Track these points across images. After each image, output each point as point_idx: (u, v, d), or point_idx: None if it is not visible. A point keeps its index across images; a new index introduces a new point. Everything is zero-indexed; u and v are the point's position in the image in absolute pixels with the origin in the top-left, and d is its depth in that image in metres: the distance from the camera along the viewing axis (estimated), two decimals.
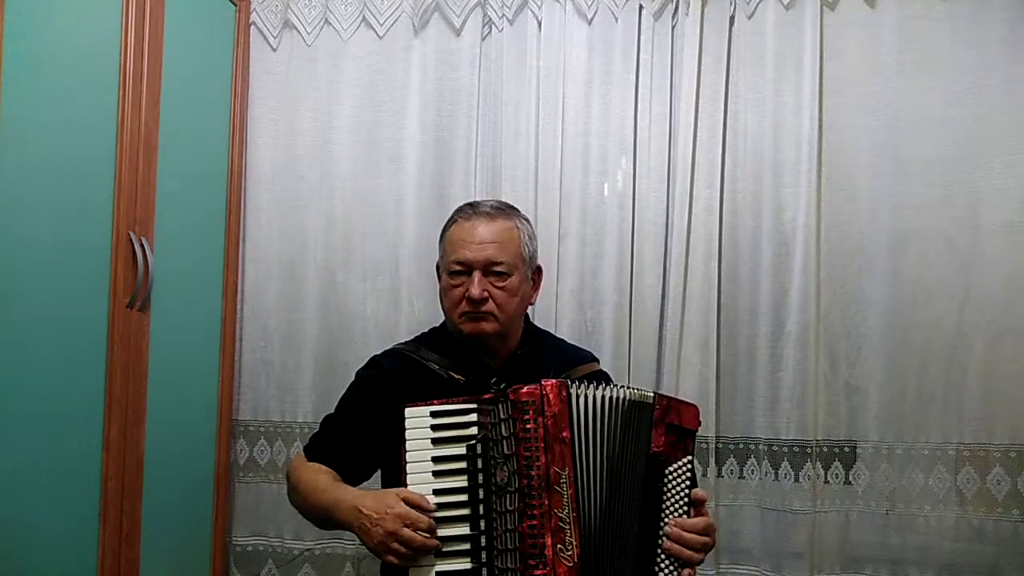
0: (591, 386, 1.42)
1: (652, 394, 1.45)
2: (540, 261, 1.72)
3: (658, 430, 1.43)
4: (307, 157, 2.38)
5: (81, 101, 1.71)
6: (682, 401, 1.49)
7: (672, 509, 1.42)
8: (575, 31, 2.29)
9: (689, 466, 1.45)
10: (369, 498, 1.41)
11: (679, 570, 1.41)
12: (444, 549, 1.35)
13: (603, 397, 1.41)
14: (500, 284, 1.58)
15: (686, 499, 1.43)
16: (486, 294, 1.56)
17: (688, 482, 1.44)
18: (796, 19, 2.21)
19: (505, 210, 1.65)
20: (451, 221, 1.65)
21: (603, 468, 1.38)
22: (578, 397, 1.39)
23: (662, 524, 1.41)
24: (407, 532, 1.34)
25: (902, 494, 2.14)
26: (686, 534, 1.40)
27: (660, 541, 1.41)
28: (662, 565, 1.41)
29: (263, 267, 2.38)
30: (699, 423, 1.49)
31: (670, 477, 1.43)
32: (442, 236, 1.66)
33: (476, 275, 1.57)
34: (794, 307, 2.17)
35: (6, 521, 1.53)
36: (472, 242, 1.58)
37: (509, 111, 2.31)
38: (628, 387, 1.46)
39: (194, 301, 2.15)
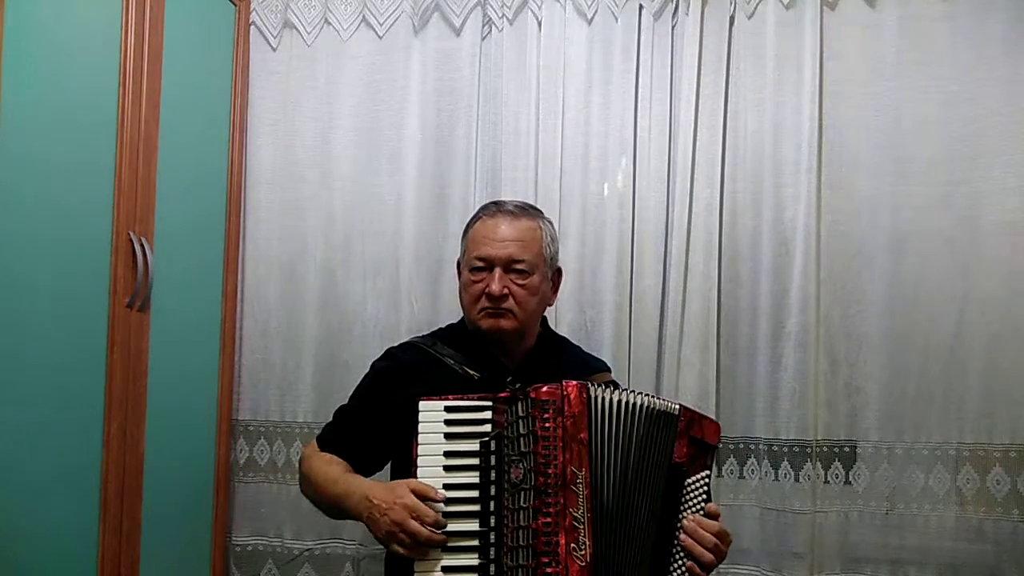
0: (611, 390, 1.42)
1: (678, 406, 1.46)
2: None
3: (681, 441, 1.44)
4: (307, 157, 2.38)
5: (81, 101, 1.71)
6: (705, 416, 1.50)
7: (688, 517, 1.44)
8: (575, 31, 2.29)
9: (707, 480, 1.46)
10: (379, 488, 1.42)
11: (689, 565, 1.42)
12: (452, 544, 1.36)
13: (623, 403, 1.41)
14: (520, 282, 1.59)
15: (701, 511, 1.44)
16: (506, 291, 1.58)
17: (705, 495, 1.46)
18: (796, 19, 2.21)
19: (529, 210, 1.68)
20: (475, 218, 1.67)
21: (619, 471, 1.39)
22: (597, 400, 1.39)
23: (678, 531, 1.42)
24: (413, 524, 1.34)
25: (902, 494, 2.14)
26: (701, 530, 1.42)
27: (676, 545, 1.42)
28: (677, 570, 1.42)
29: (263, 267, 2.38)
30: (719, 440, 1.51)
31: (689, 488, 1.44)
32: (465, 233, 1.68)
33: (497, 271, 1.58)
34: (794, 307, 2.17)
35: (6, 521, 1.53)
36: (495, 239, 1.60)
37: (509, 111, 2.30)
38: (653, 396, 1.46)
39: (194, 301, 2.15)
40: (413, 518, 1.34)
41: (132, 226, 1.82)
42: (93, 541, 1.74)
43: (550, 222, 1.70)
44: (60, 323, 1.65)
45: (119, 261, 1.79)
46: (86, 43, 1.72)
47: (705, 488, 1.45)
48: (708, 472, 1.46)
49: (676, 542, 1.42)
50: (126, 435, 1.82)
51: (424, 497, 1.37)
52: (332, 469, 1.55)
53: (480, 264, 1.60)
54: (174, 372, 2.01)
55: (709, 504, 1.46)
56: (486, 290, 1.58)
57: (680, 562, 1.42)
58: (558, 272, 1.71)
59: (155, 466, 1.91)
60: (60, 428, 1.65)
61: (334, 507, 1.52)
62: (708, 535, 1.42)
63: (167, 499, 1.98)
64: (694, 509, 1.44)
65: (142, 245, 1.83)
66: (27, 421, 1.57)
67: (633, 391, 1.45)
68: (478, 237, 1.62)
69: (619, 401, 1.40)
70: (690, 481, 1.44)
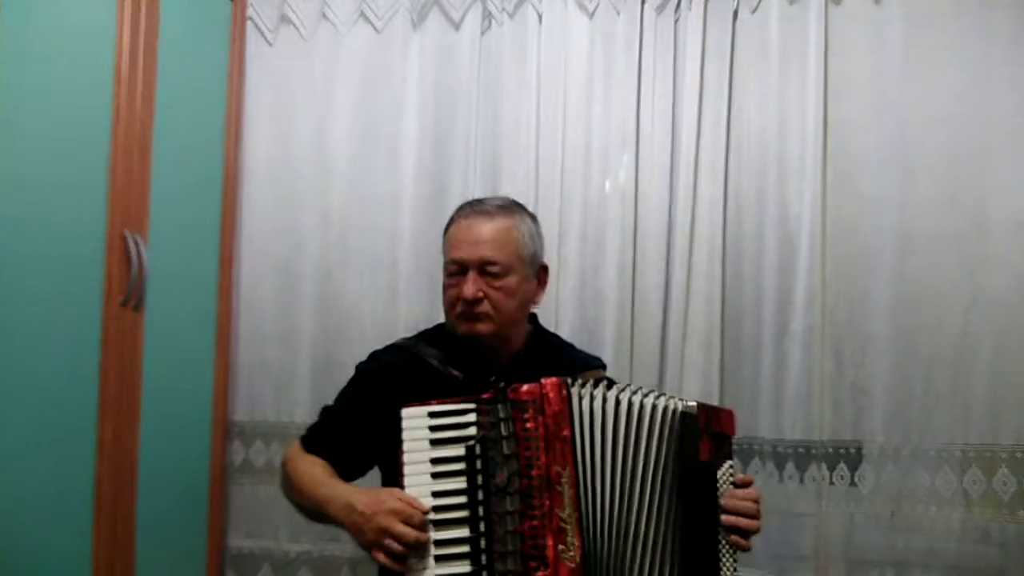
0: (603, 387, 1.40)
1: (695, 404, 1.42)
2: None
3: (703, 439, 1.41)
4: (303, 153, 2.35)
5: (75, 96, 1.68)
6: (720, 408, 1.48)
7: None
8: (576, 25, 2.27)
9: (732, 470, 1.44)
10: (364, 495, 1.40)
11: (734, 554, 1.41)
12: (444, 552, 1.33)
13: (616, 400, 1.38)
14: (496, 284, 1.54)
15: None
16: (481, 294, 1.53)
17: (731, 486, 1.44)
18: (800, 13, 2.19)
19: (507, 207, 1.61)
20: (452, 220, 1.63)
21: (616, 468, 1.36)
22: (580, 397, 1.37)
23: (720, 524, 1.40)
24: (400, 527, 1.31)
25: (908, 495, 2.12)
26: (737, 502, 1.41)
27: (721, 535, 1.40)
28: (725, 561, 1.41)
29: (259, 265, 2.35)
30: (735, 429, 1.48)
31: (720, 482, 1.42)
32: (444, 234, 1.64)
33: (471, 274, 1.54)
34: (799, 306, 2.15)
35: None
36: (467, 241, 1.56)
37: (509, 107, 2.28)
38: (666, 395, 1.43)
39: (189, 299, 2.12)
40: (400, 521, 1.32)
41: (126, 223, 1.79)
42: (87, 545, 1.71)
43: (532, 217, 1.64)
44: (53, 321, 1.62)
45: (113, 259, 1.76)
46: (81, 38, 1.70)
47: (731, 477, 1.44)
48: (731, 462, 1.44)
49: (720, 534, 1.40)
50: (120, 436, 1.79)
51: (408, 504, 1.34)
52: (316, 472, 1.52)
53: (454, 268, 1.57)
54: (168, 371, 1.98)
55: (737, 475, 1.44)
56: (460, 294, 1.54)
57: (728, 556, 1.41)
58: (543, 269, 1.66)
59: (149, 468, 1.88)
60: (52, 428, 1.62)
61: (315, 511, 1.49)
62: (748, 503, 1.41)
63: (162, 502, 1.95)
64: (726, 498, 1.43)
65: (136, 243, 1.80)
66: (19, 422, 1.54)
67: (640, 389, 1.42)
68: (452, 239, 1.59)
69: (609, 398, 1.38)
70: (719, 475, 1.42)
